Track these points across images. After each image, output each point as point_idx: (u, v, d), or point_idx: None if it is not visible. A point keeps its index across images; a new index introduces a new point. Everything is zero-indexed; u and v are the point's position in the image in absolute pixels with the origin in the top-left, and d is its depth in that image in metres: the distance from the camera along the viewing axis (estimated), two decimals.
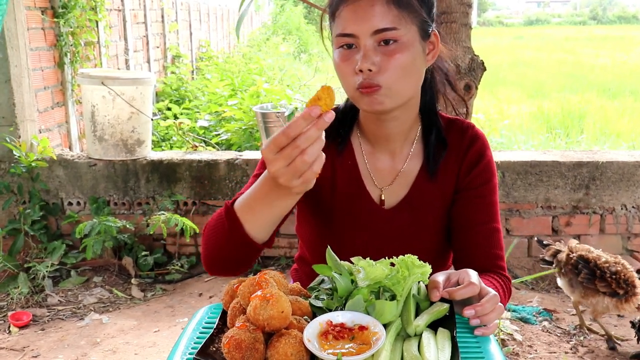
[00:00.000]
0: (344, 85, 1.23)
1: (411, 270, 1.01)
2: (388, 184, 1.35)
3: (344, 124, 1.37)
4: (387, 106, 1.20)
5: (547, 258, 2.81)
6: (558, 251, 2.79)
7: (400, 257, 1.03)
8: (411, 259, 1.02)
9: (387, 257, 1.04)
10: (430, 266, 1.03)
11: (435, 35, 1.25)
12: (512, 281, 3.16)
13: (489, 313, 1.04)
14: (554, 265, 2.80)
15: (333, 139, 1.35)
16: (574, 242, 2.80)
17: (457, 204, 1.34)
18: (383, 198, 1.35)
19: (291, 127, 0.94)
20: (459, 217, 1.34)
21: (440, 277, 1.09)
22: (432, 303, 1.06)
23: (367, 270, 1.02)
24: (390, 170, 1.35)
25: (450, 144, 1.34)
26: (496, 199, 1.36)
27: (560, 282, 2.81)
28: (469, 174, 1.33)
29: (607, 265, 2.59)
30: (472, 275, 1.09)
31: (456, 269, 1.35)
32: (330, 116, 0.94)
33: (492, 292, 1.07)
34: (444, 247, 1.39)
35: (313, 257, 1.43)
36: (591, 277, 2.61)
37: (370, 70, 1.16)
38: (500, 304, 1.07)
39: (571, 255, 2.70)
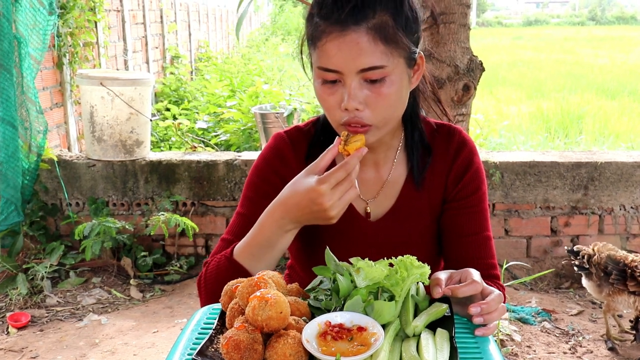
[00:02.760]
0: (329, 117, 1.20)
1: (410, 271, 1.02)
2: (373, 196, 1.33)
3: (327, 141, 1.28)
4: (372, 140, 1.18)
5: (583, 265, 2.77)
6: (591, 255, 2.77)
7: (399, 257, 1.03)
8: (410, 259, 1.02)
9: None
10: (429, 267, 1.03)
11: (420, 57, 1.20)
12: (512, 282, 3.17)
13: (493, 312, 1.04)
14: (589, 270, 2.75)
15: (316, 156, 1.25)
16: (598, 244, 2.80)
17: (446, 215, 1.32)
18: (368, 210, 1.32)
19: (349, 163, 1.09)
20: (450, 228, 1.32)
21: (442, 275, 1.10)
22: (431, 303, 1.06)
23: (366, 270, 1.02)
24: (375, 180, 1.33)
25: (436, 150, 1.32)
26: (486, 206, 1.34)
27: (586, 283, 2.78)
28: (458, 184, 1.31)
29: (635, 264, 2.59)
30: (474, 274, 1.10)
31: None
32: (365, 150, 1.13)
33: (496, 291, 1.07)
34: (434, 257, 1.37)
35: (302, 271, 1.42)
36: (621, 277, 2.60)
37: (357, 109, 1.12)
38: (502, 304, 1.07)
39: (601, 256, 2.70)
